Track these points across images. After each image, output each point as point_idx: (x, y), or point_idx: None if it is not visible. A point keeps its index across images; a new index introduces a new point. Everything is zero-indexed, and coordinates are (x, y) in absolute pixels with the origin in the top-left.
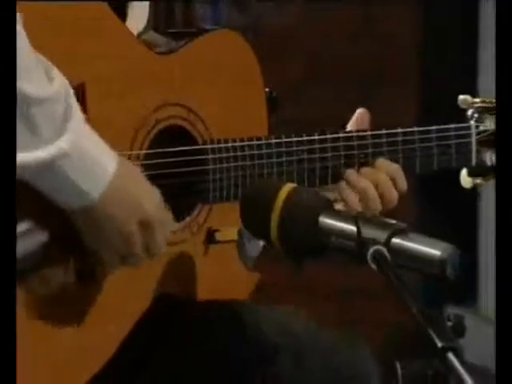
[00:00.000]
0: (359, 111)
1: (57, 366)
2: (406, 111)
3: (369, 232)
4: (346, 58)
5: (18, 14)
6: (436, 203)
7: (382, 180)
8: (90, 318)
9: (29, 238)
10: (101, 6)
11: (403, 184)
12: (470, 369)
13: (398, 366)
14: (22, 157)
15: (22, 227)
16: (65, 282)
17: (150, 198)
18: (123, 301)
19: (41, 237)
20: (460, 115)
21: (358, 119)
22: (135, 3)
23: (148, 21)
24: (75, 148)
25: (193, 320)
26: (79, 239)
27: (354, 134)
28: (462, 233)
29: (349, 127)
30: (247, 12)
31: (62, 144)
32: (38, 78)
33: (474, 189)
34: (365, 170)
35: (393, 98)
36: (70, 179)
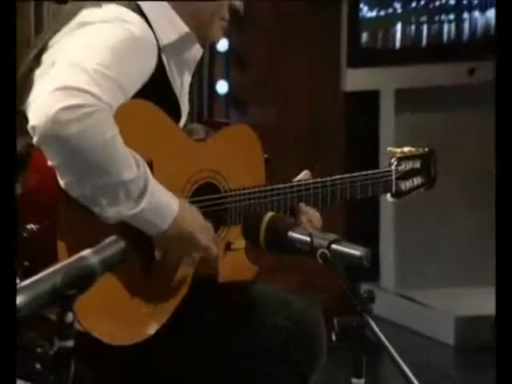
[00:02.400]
0: (304, 172)
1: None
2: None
3: (317, 241)
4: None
5: (115, 125)
6: (355, 215)
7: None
8: (157, 291)
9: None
10: (163, 115)
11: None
12: (377, 319)
13: (335, 320)
14: (120, 212)
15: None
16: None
17: (198, 227)
18: (177, 283)
19: (124, 245)
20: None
21: (304, 175)
22: (183, 108)
23: (189, 114)
24: (151, 203)
25: (217, 291)
26: (152, 247)
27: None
28: (369, 233)
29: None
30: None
31: (142, 205)
32: (132, 165)
33: (377, 203)
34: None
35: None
36: (148, 220)
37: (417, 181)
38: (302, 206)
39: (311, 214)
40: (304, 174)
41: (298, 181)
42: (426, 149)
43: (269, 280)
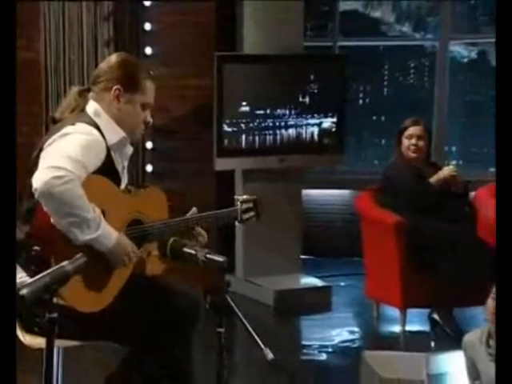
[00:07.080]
0: (193, 208)
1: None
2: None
3: (199, 253)
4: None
5: (81, 188)
6: (222, 233)
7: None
8: (106, 281)
9: (82, 258)
10: (110, 183)
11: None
12: (232, 295)
13: (208, 297)
14: (84, 237)
15: (80, 256)
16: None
17: (128, 244)
18: (119, 277)
19: (86, 258)
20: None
21: (192, 211)
22: (123, 179)
23: (128, 180)
24: (102, 232)
25: (144, 280)
26: (105, 258)
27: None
28: (229, 243)
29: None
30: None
31: (98, 233)
32: (91, 210)
33: (234, 226)
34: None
35: None
36: (101, 242)
37: (251, 214)
38: (197, 228)
39: (201, 233)
40: (192, 211)
41: (190, 215)
42: (255, 196)
43: (172, 274)
